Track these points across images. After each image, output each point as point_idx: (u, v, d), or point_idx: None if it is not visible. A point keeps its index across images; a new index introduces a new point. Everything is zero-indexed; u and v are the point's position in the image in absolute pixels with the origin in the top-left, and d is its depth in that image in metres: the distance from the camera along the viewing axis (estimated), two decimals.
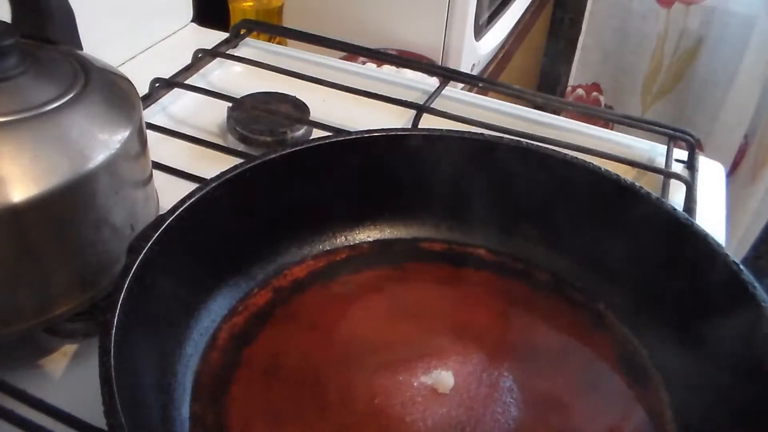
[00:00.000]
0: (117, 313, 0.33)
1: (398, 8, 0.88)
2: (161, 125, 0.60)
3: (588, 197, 0.46)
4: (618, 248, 0.45)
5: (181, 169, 0.55)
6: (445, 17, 0.86)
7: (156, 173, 0.47)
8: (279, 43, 0.79)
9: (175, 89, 0.64)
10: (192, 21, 0.78)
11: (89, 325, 0.41)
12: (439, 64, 0.89)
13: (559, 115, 0.68)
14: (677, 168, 0.60)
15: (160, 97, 0.63)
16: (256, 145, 0.58)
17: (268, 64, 0.66)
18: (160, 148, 0.55)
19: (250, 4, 0.80)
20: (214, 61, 0.70)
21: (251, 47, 0.74)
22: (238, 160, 0.46)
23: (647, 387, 0.41)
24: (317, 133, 0.58)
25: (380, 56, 0.74)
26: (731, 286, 0.39)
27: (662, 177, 0.57)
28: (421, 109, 0.61)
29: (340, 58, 0.75)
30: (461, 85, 0.73)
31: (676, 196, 0.56)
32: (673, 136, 0.62)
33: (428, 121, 0.59)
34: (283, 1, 0.82)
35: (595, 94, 1.43)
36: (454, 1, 0.85)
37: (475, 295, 0.47)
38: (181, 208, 0.39)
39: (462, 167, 0.48)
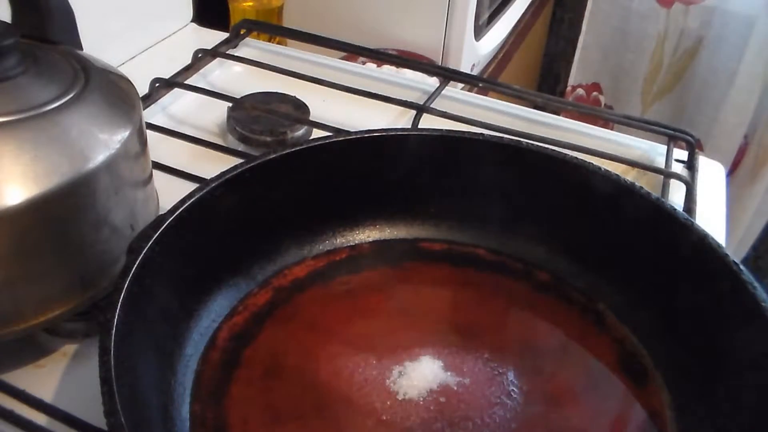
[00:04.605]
0: (117, 313, 0.33)
1: (398, 8, 0.88)
2: (161, 125, 0.60)
3: (588, 197, 0.46)
4: (618, 248, 0.45)
5: (181, 169, 0.55)
6: (445, 17, 0.86)
7: (156, 173, 0.47)
8: (279, 43, 0.79)
9: (175, 89, 0.64)
10: (192, 21, 0.78)
11: (89, 325, 0.42)
12: (439, 64, 0.89)
13: (559, 115, 0.68)
14: (677, 168, 0.60)
15: (160, 97, 0.63)
16: (256, 145, 0.58)
17: (268, 64, 0.66)
18: (160, 148, 0.55)
19: (250, 4, 0.80)
20: (214, 61, 0.70)
21: (251, 47, 0.74)
22: (238, 160, 0.46)
23: (647, 387, 0.41)
24: (317, 133, 0.58)
25: (380, 56, 0.74)
26: (731, 286, 0.39)
27: (662, 177, 0.57)
28: (421, 109, 0.61)
29: (340, 58, 0.75)
30: (461, 85, 0.73)
31: (676, 196, 0.56)
32: (673, 136, 0.62)
33: (428, 121, 0.59)
34: (283, 1, 0.82)
35: (595, 94, 1.43)
36: (454, 1, 0.85)
37: (475, 295, 0.47)
38: (181, 208, 0.39)
39: (462, 167, 0.48)
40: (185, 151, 0.58)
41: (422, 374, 0.40)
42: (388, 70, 0.75)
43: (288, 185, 0.46)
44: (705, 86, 1.30)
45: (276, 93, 0.63)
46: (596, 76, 1.42)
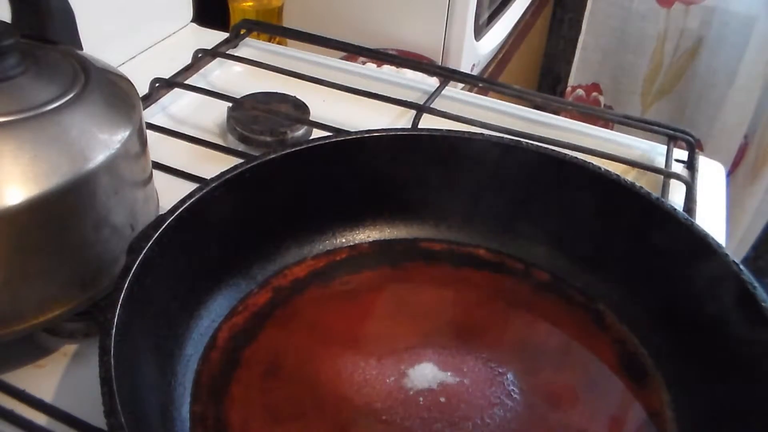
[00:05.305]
0: (117, 313, 0.33)
1: (398, 8, 0.88)
2: (161, 125, 0.60)
3: (588, 197, 0.46)
4: (618, 248, 0.45)
5: (181, 169, 0.55)
6: (445, 17, 0.86)
7: (156, 173, 0.47)
8: (279, 43, 0.79)
9: (175, 89, 0.64)
10: (192, 21, 0.78)
11: (89, 325, 0.42)
12: (439, 64, 0.89)
13: (559, 115, 0.68)
14: (677, 168, 0.60)
15: (160, 97, 0.63)
16: (256, 145, 0.58)
17: (268, 64, 0.66)
18: (160, 148, 0.55)
19: (250, 4, 0.80)
20: (214, 61, 0.70)
21: (251, 47, 0.74)
22: (238, 160, 0.46)
23: (647, 387, 0.41)
24: (317, 133, 0.58)
25: (380, 56, 0.74)
26: (731, 286, 0.39)
27: (662, 177, 0.57)
28: (421, 109, 0.61)
29: (340, 58, 0.75)
30: (461, 85, 0.73)
31: (676, 196, 0.56)
32: (673, 136, 0.62)
33: (428, 121, 0.59)
34: (283, 1, 0.82)
35: (594, 94, 1.43)
36: (454, 1, 0.85)
37: (475, 295, 0.47)
38: (181, 208, 0.39)
39: (462, 167, 0.48)
40: (185, 151, 0.58)
41: (422, 374, 0.40)
42: (388, 70, 0.75)
43: (288, 185, 0.45)
44: (705, 86, 1.30)
45: (276, 93, 0.63)
46: (596, 76, 1.42)
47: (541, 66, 1.59)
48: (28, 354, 0.41)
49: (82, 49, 0.45)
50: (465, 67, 0.90)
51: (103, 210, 0.39)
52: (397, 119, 0.64)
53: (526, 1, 1.16)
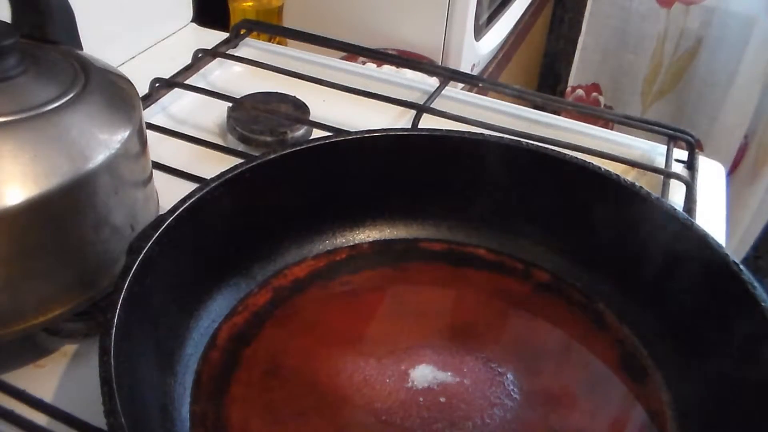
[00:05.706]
0: (117, 313, 0.33)
1: (398, 8, 0.88)
2: (161, 125, 0.60)
3: (588, 197, 0.46)
4: (618, 248, 0.45)
5: (181, 169, 0.55)
6: (445, 17, 0.86)
7: (156, 173, 0.47)
8: (279, 43, 0.79)
9: (175, 89, 0.64)
10: (192, 21, 0.78)
11: (89, 325, 0.42)
12: (439, 64, 0.89)
13: (559, 115, 0.68)
14: (677, 168, 0.60)
15: (160, 97, 0.63)
16: (256, 145, 0.58)
17: (268, 64, 0.66)
18: (160, 148, 0.55)
19: (250, 4, 0.80)
20: (214, 61, 0.70)
21: (251, 47, 0.74)
22: (238, 160, 0.46)
23: (647, 387, 0.41)
24: (317, 133, 0.58)
25: (380, 56, 0.74)
26: (731, 286, 0.39)
27: (662, 177, 0.57)
28: (421, 109, 0.61)
29: (340, 58, 0.75)
30: (461, 85, 0.73)
31: (676, 196, 0.56)
32: (673, 136, 0.62)
33: (428, 121, 0.59)
34: (283, 1, 0.82)
35: (594, 94, 1.43)
36: (454, 1, 0.85)
37: (475, 295, 0.47)
38: (181, 208, 0.39)
39: (462, 167, 0.48)
40: (185, 151, 0.58)
41: (422, 374, 0.40)
42: (388, 70, 0.75)
43: (288, 185, 0.46)
44: (705, 86, 1.30)
45: (276, 93, 0.63)
46: (596, 76, 1.41)
47: (541, 66, 1.59)
48: (28, 354, 0.41)
49: (82, 49, 0.45)
50: (465, 67, 0.90)
51: (103, 210, 0.39)
52: (397, 119, 0.64)
53: (526, 1, 1.16)
